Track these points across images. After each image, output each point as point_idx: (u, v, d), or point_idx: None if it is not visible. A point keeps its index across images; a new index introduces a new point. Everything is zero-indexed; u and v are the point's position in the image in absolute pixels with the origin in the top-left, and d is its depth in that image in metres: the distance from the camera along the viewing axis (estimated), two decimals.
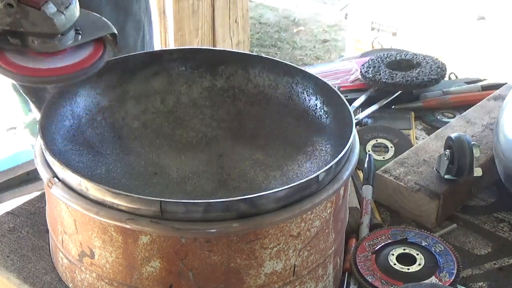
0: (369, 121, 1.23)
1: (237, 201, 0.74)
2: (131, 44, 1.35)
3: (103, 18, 0.89)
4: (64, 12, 0.82)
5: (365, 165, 1.06)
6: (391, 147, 1.15)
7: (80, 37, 0.86)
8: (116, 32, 0.88)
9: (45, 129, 0.86)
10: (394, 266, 0.90)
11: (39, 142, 0.84)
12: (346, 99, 0.91)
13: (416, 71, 1.30)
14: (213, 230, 0.74)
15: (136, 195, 0.74)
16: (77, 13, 0.84)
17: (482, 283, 0.91)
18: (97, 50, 0.87)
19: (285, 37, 3.87)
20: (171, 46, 2.81)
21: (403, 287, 0.84)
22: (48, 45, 0.83)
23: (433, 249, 0.92)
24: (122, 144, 0.97)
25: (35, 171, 0.83)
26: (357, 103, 1.27)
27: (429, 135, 1.16)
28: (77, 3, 0.84)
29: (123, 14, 1.30)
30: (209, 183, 0.97)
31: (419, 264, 0.90)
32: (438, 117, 1.26)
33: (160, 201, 0.73)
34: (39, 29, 0.81)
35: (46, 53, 0.83)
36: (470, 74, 1.47)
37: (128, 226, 0.74)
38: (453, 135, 1.01)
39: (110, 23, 0.89)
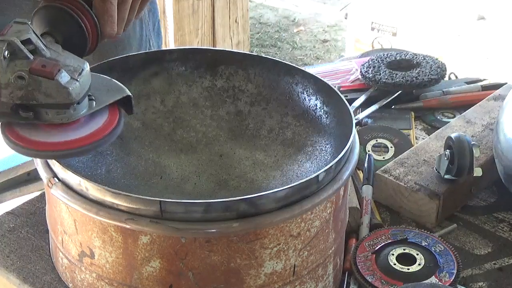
0: (369, 121, 1.23)
1: (237, 201, 0.74)
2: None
3: (114, 80, 0.83)
4: (78, 79, 0.75)
5: (365, 165, 1.06)
6: (391, 147, 1.15)
7: (94, 103, 0.78)
8: (130, 94, 0.81)
9: None
10: (394, 266, 0.90)
11: None
12: (346, 99, 0.91)
13: (416, 71, 1.30)
14: (213, 230, 0.74)
15: (136, 195, 0.74)
16: (90, 79, 0.78)
17: (482, 283, 0.91)
18: (113, 116, 0.80)
19: (285, 37, 3.87)
20: (171, 46, 2.81)
21: (403, 287, 0.84)
22: (62, 116, 0.76)
23: (433, 249, 0.92)
24: (122, 144, 0.97)
25: (35, 171, 0.82)
26: (357, 103, 1.27)
27: (429, 135, 1.16)
28: (88, 68, 0.78)
29: None
30: (209, 183, 0.97)
31: (419, 264, 0.90)
32: (438, 117, 1.26)
33: (160, 201, 0.73)
34: (54, 100, 0.74)
35: (61, 124, 0.76)
36: (470, 74, 1.47)
37: (128, 226, 0.74)
38: (453, 135, 1.01)
39: (122, 85, 0.82)
